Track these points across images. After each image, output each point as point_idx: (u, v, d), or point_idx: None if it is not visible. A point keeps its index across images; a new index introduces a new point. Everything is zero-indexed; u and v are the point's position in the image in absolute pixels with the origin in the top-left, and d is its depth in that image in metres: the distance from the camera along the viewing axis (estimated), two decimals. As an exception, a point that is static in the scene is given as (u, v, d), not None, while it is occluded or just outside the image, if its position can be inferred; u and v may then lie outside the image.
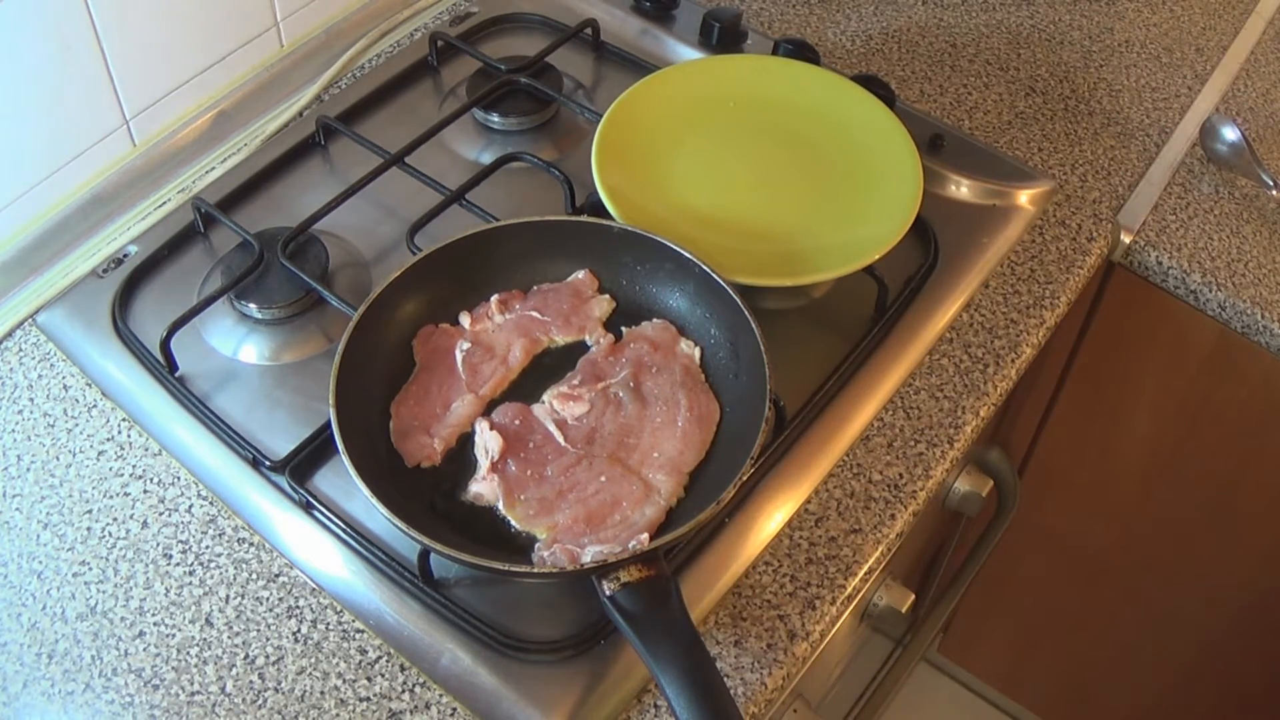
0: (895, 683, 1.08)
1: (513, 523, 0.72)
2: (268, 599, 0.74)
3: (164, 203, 0.95)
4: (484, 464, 0.74)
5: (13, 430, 0.82)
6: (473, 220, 0.89)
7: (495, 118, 1.01)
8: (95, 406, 0.83)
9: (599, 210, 0.88)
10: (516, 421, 0.76)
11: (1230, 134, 1.03)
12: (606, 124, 0.93)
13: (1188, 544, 1.24)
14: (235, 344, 0.85)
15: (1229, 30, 1.20)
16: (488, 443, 0.75)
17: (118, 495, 0.78)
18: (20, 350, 0.86)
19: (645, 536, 0.70)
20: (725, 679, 0.69)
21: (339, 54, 1.07)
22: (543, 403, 0.78)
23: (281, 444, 0.78)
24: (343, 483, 0.77)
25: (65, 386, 0.84)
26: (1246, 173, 1.03)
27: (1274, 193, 1.01)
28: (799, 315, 0.90)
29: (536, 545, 0.71)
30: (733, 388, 0.78)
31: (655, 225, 0.83)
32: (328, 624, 0.73)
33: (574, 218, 0.84)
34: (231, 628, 0.72)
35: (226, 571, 0.75)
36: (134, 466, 0.80)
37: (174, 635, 0.72)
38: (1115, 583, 1.35)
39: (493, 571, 0.68)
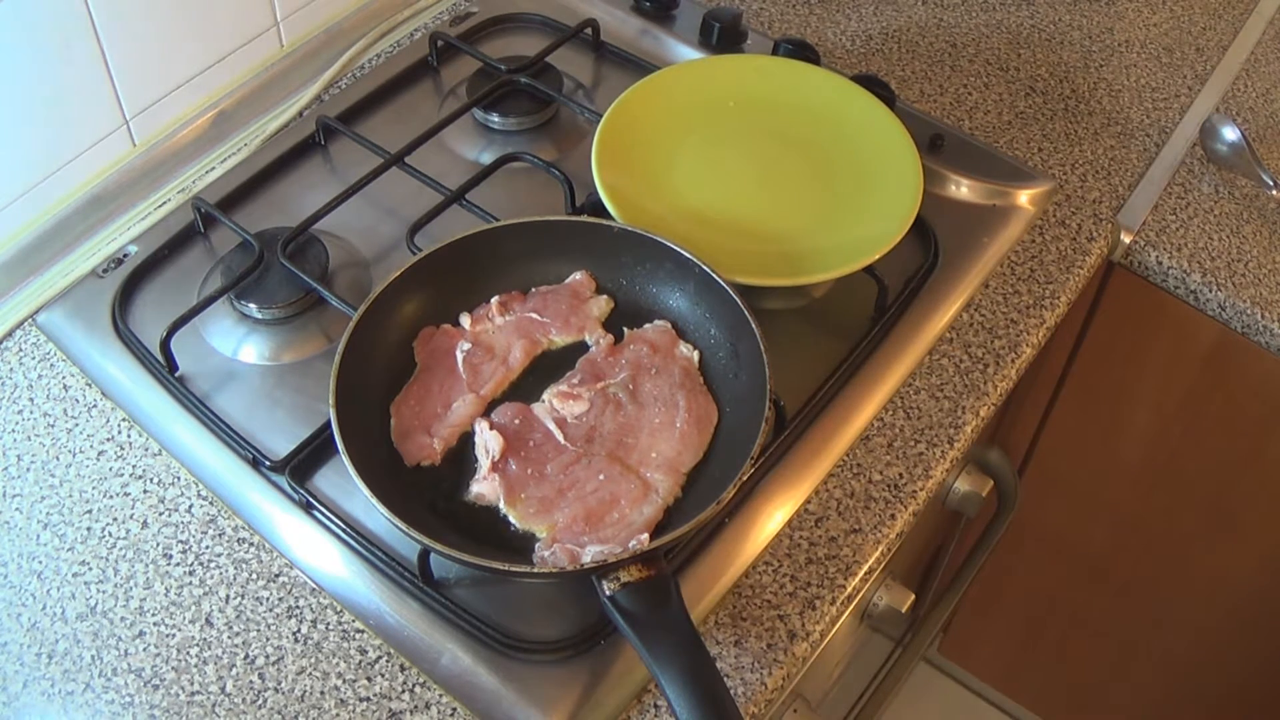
0: (895, 683, 1.08)
1: (513, 522, 0.72)
2: (268, 599, 0.74)
3: (164, 203, 0.95)
4: (485, 464, 0.74)
5: (13, 430, 0.82)
6: (473, 220, 0.89)
7: (495, 118, 1.01)
8: (95, 406, 0.83)
9: (599, 210, 0.88)
10: (517, 420, 0.76)
11: (1230, 134, 1.03)
12: (606, 124, 0.93)
13: (1187, 544, 1.24)
14: (235, 344, 0.85)
15: (1229, 30, 1.20)
16: (488, 442, 0.75)
17: (118, 495, 0.78)
18: (20, 350, 0.86)
19: (645, 536, 0.70)
20: (725, 679, 0.69)
21: (339, 54, 1.07)
22: (543, 401, 0.78)
23: (281, 444, 0.78)
24: (343, 483, 0.77)
25: (65, 386, 0.84)
26: (1246, 173, 1.03)
27: (1274, 193, 1.01)
28: (799, 315, 0.90)
29: (536, 545, 0.71)
30: (733, 388, 0.78)
31: (655, 225, 0.83)
32: (328, 624, 0.73)
33: (574, 218, 0.84)
34: (231, 628, 0.72)
35: (226, 571, 0.75)
36: (134, 466, 0.80)
37: (174, 635, 0.72)
38: (1115, 583, 1.35)
39: (493, 571, 0.68)
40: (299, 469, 0.77)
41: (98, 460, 0.80)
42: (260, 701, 0.70)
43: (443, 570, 0.73)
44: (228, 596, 0.74)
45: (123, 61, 0.90)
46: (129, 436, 0.81)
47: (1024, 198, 1.00)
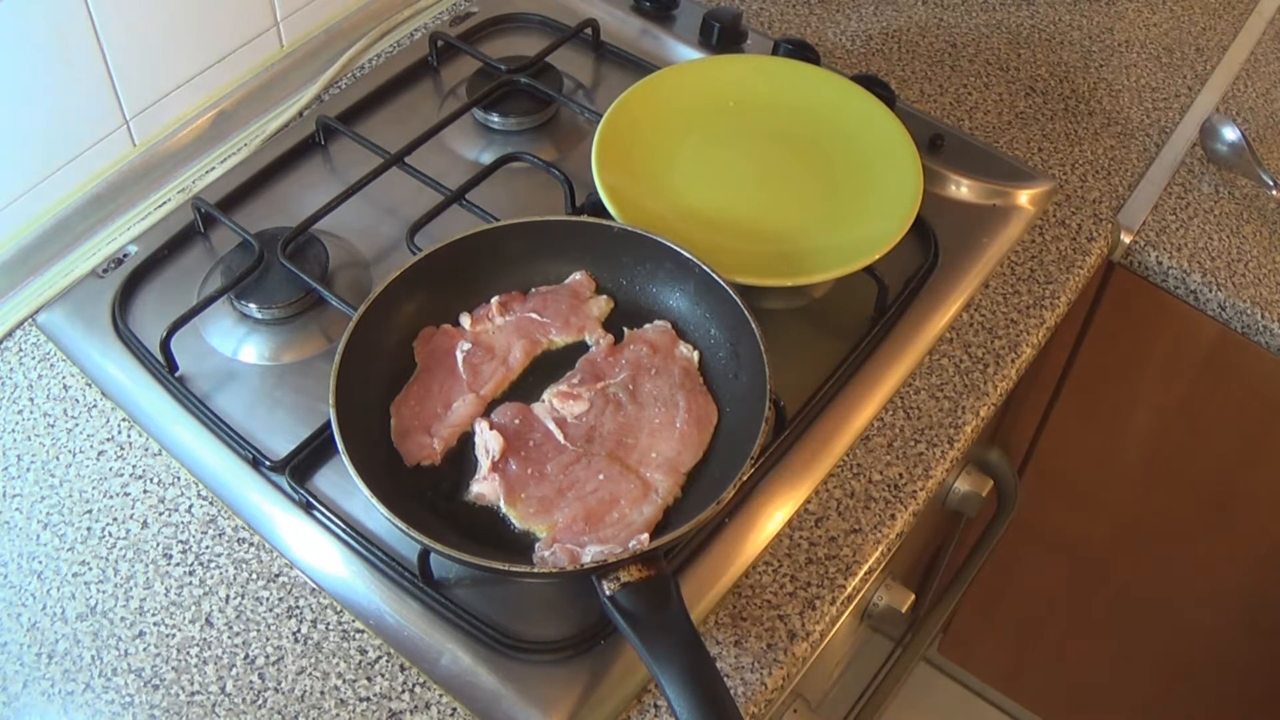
0: (895, 683, 1.08)
1: (513, 522, 0.72)
2: (268, 599, 0.74)
3: (164, 203, 0.95)
4: (485, 464, 0.74)
5: (13, 430, 0.82)
6: (473, 220, 0.89)
7: (495, 118, 1.01)
8: (95, 406, 0.83)
9: (599, 210, 0.88)
10: (516, 420, 0.76)
11: (1230, 134, 1.03)
12: (606, 124, 0.93)
13: (1187, 544, 1.24)
14: (235, 344, 0.85)
15: (1229, 30, 1.20)
16: (488, 442, 0.75)
17: (118, 495, 0.78)
18: (20, 350, 0.86)
19: (645, 536, 0.70)
20: (725, 679, 0.69)
21: (339, 54, 1.07)
22: (542, 401, 0.78)
23: (281, 444, 0.78)
24: (343, 483, 0.77)
25: (65, 386, 0.84)
26: (1246, 173, 1.03)
27: (1274, 193, 1.01)
28: (799, 315, 0.90)
29: (537, 545, 0.71)
30: (733, 388, 0.78)
31: (655, 225, 0.83)
32: (328, 624, 0.73)
33: (574, 218, 0.84)
34: (231, 628, 0.72)
35: (226, 571, 0.75)
36: (134, 466, 0.80)
37: (174, 635, 0.72)
38: (1115, 583, 1.35)
39: (493, 571, 0.68)
40: (299, 469, 0.77)
41: (98, 460, 0.80)
42: (260, 701, 0.70)
43: (443, 570, 0.73)
44: (228, 596, 0.74)
45: (123, 61, 0.90)
46: (129, 436, 0.81)
47: (1024, 198, 1.00)
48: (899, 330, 0.89)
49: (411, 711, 0.69)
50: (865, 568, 0.78)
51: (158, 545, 0.76)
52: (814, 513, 0.80)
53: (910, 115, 1.03)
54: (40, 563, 0.75)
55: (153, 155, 0.96)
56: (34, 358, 0.86)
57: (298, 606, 0.74)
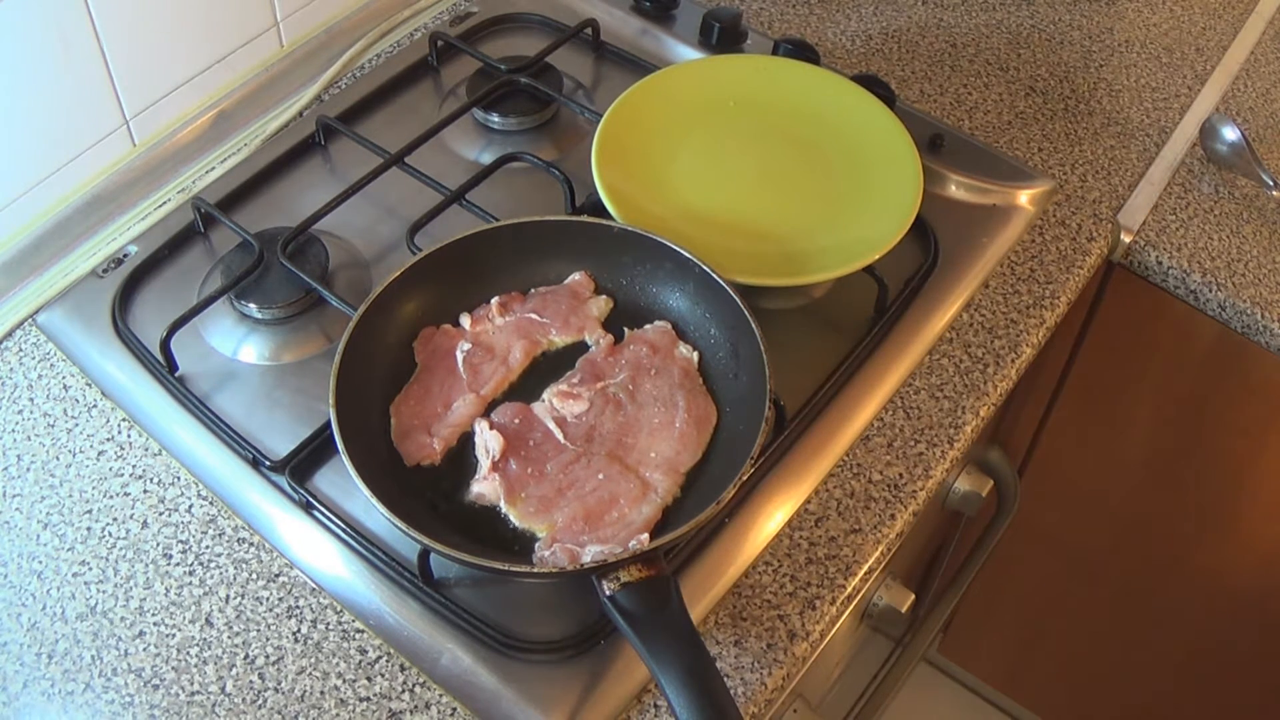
0: (895, 683, 1.08)
1: (513, 521, 0.72)
2: (268, 599, 0.74)
3: (164, 203, 0.95)
4: (485, 464, 0.74)
5: (13, 430, 0.82)
6: (473, 220, 0.89)
7: (495, 118, 1.01)
8: (95, 406, 0.83)
9: (599, 210, 0.88)
10: (517, 420, 0.76)
11: (1230, 134, 1.03)
12: (606, 124, 0.93)
13: (1187, 543, 1.24)
14: (235, 344, 0.85)
15: (1229, 30, 1.20)
16: (488, 442, 0.75)
17: (118, 495, 0.78)
18: (20, 350, 0.86)
19: (645, 536, 0.70)
20: (725, 679, 0.69)
21: (339, 54, 1.07)
22: (543, 401, 0.78)
23: (281, 444, 0.78)
24: (343, 483, 0.77)
25: (65, 386, 0.84)
26: (1246, 173, 1.03)
27: (1274, 193, 1.02)
28: (799, 315, 0.90)
29: (536, 545, 0.71)
30: (733, 388, 0.78)
31: (655, 225, 0.83)
32: (328, 624, 0.73)
33: (574, 218, 0.84)
34: (231, 628, 0.72)
35: (226, 571, 0.75)
36: (134, 466, 0.80)
37: (174, 635, 0.72)
38: (1115, 583, 1.35)
39: (493, 571, 0.68)
40: (299, 469, 0.77)
41: (98, 460, 0.80)
42: (260, 701, 0.70)
43: (443, 570, 0.74)
44: (228, 596, 0.74)
45: (123, 61, 0.90)
46: (129, 436, 0.81)
47: (1024, 198, 1.00)
48: (899, 330, 0.89)
49: (411, 711, 0.69)
50: (865, 568, 0.78)
51: (158, 545, 0.76)
52: (814, 513, 0.80)
53: (910, 115, 1.03)
54: (40, 563, 0.75)
55: (153, 155, 0.96)
56: (34, 358, 0.86)
57: (298, 606, 0.74)
